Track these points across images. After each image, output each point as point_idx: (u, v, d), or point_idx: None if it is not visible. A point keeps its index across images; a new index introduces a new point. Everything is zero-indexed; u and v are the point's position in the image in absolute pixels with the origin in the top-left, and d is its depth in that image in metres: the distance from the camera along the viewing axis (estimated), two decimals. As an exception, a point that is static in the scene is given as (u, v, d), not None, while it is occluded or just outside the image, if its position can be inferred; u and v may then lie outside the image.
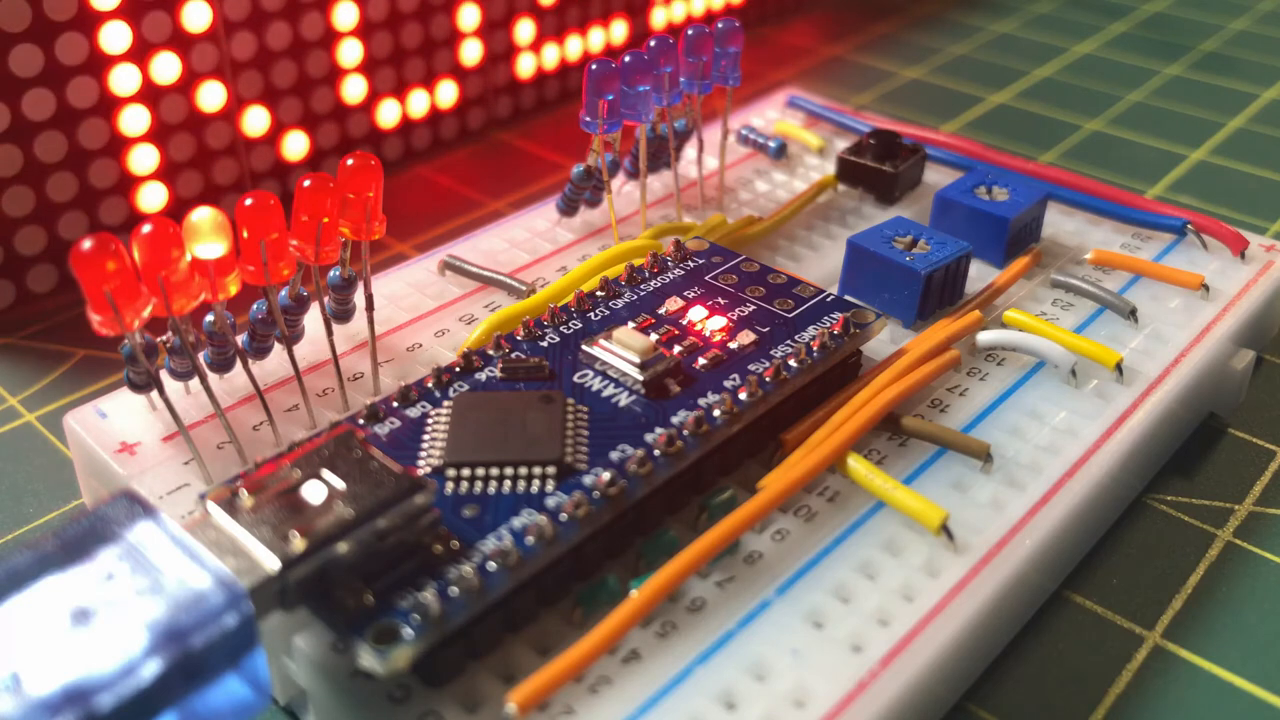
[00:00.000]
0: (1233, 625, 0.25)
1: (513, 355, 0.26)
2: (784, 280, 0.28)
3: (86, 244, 0.21)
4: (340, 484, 0.21)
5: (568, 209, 0.33)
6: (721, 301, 0.27)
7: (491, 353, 0.26)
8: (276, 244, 0.24)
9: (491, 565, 0.20)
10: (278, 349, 0.27)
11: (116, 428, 0.26)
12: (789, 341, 0.26)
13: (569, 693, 0.20)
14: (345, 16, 0.39)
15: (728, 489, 0.24)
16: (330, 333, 0.26)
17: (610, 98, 0.30)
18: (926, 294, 0.29)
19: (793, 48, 0.54)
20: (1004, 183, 0.32)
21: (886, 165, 0.34)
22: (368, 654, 0.19)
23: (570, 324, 0.27)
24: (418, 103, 0.43)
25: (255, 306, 0.26)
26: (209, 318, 0.25)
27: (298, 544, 0.19)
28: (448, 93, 0.44)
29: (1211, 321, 0.30)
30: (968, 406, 0.27)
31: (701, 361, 0.25)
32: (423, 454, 0.23)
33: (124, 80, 0.35)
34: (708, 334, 0.26)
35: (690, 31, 0.32)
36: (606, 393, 0.25)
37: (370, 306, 0.27)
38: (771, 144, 0.37)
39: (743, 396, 0.24)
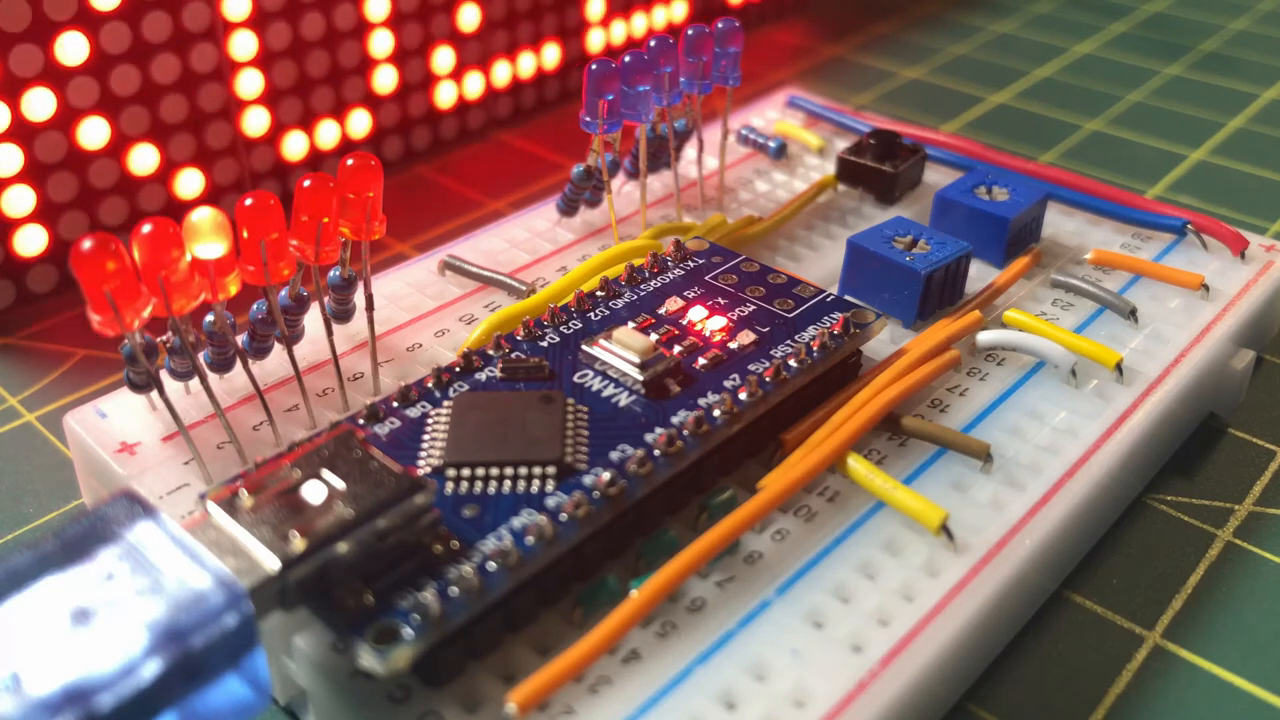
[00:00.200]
0: (1233, 625, 0.25)
1: (513, 355, 0.26)
2: (784, 280, 0.28)
3: (86, 244, 0.21)
4: (340, 484, 0.21)
5: (568, 209, 0.33)
6: (721, 301, 0.27)
7: (491, 353, 0.26)
8: (276, 244, 0.24)
9: (491, 565, 0.20)
10: (278, 349, 0.27)
11: (116, 428, 0.26)
12: (789, 341, 0.26)
13: (569, 693, 0.20)
14: (345, 16, 0.39)
15: (728, 489, 0.24)
16: (330, 333, 0.26)
17: (610, 98, 0.30)
18: (926, 294, 0.29)
19: (793, 48, 0.54)
20: (1004, 183, 0.32)
21: (886, 165, 0.34)
22: (368, 654, 0.19)
23: (570, 324, 0.27)
24: (418, 103, 0.43)
25: (255, 306, 0.26)
26: (209, 318, 0.25)
27: (298, 544, 0.19)
28: (448, 93, 0.44)
29: (1211, 321, 0.30)
30: (968, 406, 0.27)
31: (701, 361, 0.25)
32: (423, 454, 0.23)
33: (124, 80, 0.35)
34: (708, 334, 0.26)
35: (690, 31, 0.32)
36: (606, 393, 0.25)
37: (370, 306, 0.27)
38: (771, 144, 0.37)
39: (743, 396, 0.24)
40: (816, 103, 0.39)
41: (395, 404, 0.24)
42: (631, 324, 0.27)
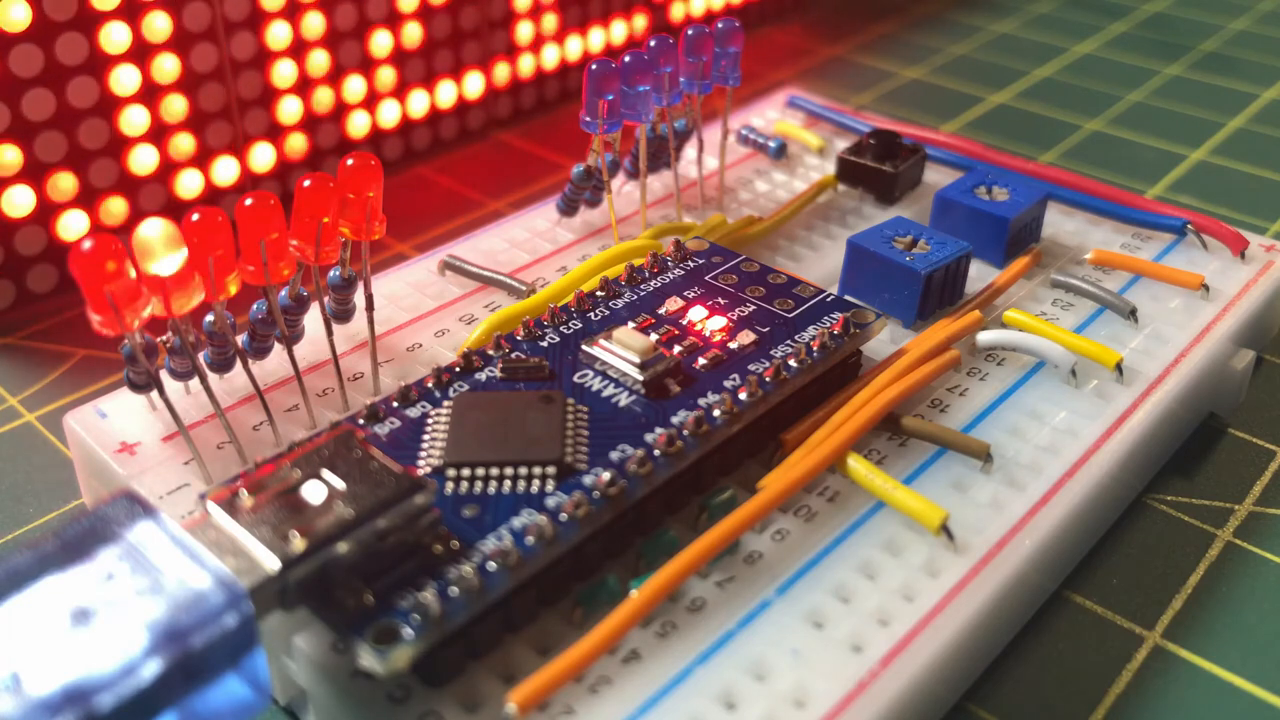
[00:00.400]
0: (1233, 625, 0.25)
1: (513, 355, 0.26)
2: (784, 280, 0.28)
3: (86, 244, 0.21)
4: (340, 484, 0.21)
5: (568, 209, 0.33)
6: (721, 301, 0.27)
7: (491, 353, 0.26)
8: (276, 244, 0.24)
9: (491, 565, 0.20)
10: (278, 349, 0.27)
11: (116, 428, 0.26)
12: (789, 341, 0.26)
13: (569, 693, 0.20)
14: (345, 16, 0.39)
15: (728, 489, 0.24)
16: (330, 333, 0.26)
17: (610, 98, 0.30)
18: (926, 294, 0.29)
19: (793, 48, 0.54)
20: (1004, 183, 0.32)
21: (886, 165, 0.34)
22: (368, 654, 0.19)
23: (570, 324, 0.27)
24: (418, 103, 0.43)
25: (255, 306, 0.26)
26: (209, 318, 0.25)
27: (298, 544, 0.19)
28: (448, 93, 0.44)
29: (1211, 321, 0.30)
30: (968, 406, 0.27)
31: (701, 361, 0.25)
32: (423, 454, 0.23)
33: (124, 80, 0.35)
34: (708, 334, 0.26)
35: (690, 31, 0.32)
36: (606, 393, 0.25)
37: (370, 306, 0.27)
38: (771, 144, 0.37)
39: (743, 396, 0.24)
40: (816, 103, 0.39)
41: (395, 404, 0.24)
42: (631, 324, 0.27)
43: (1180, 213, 0.33)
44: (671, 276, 0.28)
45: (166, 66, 0.35)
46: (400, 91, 0.42)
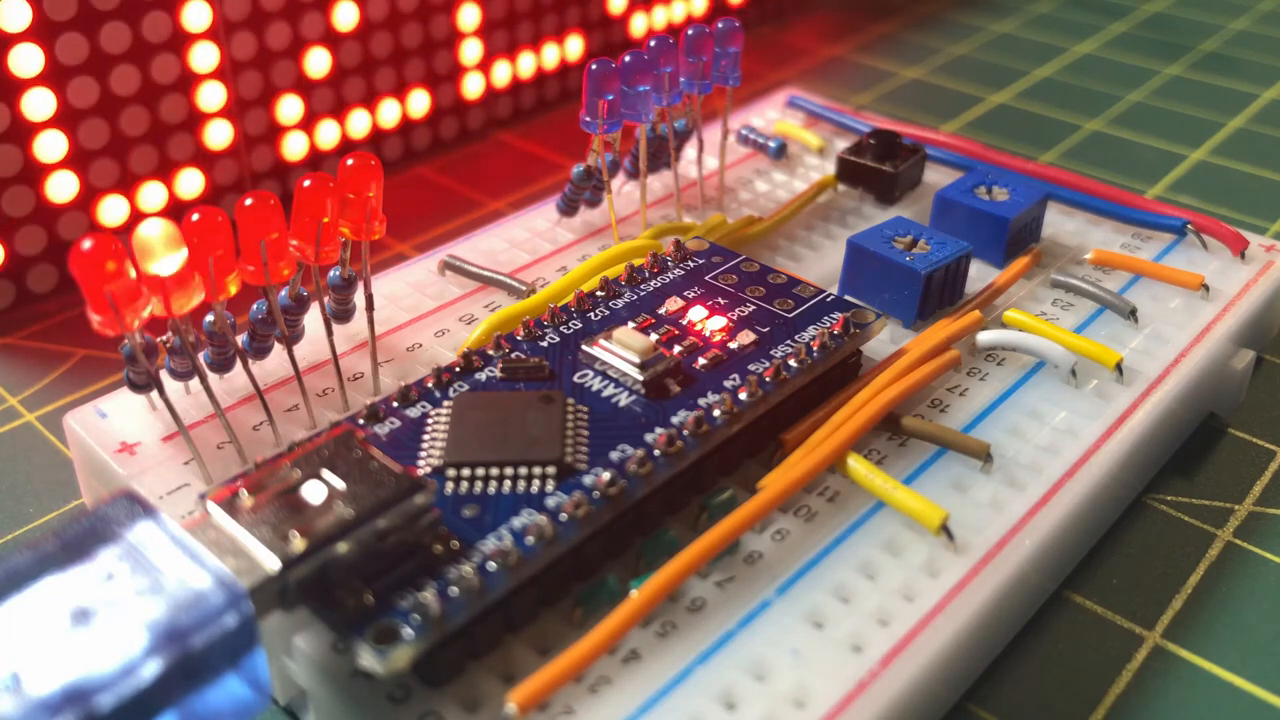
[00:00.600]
0: (1233, 625, 0.25)
1: (513, 355, 0.26)
2: (784, 280, 0.28)
3: (86, 244, 0.21)
4: (340, 484, 0.21)
5: (568, 209, 0.33)
6: (721, 301, 0.27)
7: (491, 353, 0.26)
8: (276, 244, 0.24)
9: (491, 565, 0.20)
10: (278, 349, 0.27)
11: (116, 428, 0.26)
12: (789, 341, 0.26)
13: (569, 693, 0.20)
14: (345, 17, 0.39)
15: (728, 489, 0.24)
16: (330, 333, 0.26)
17: (610, 98, 0.30)
18: (926, 294, 0.29)
19: (793, 48, 0.54)
20: (1004, 183, 0.32)
21: (886, 165, 0.34)
22: (368, 654, 0.19)
23: (570, 324, 0.27)
24: (418, 103, 0.43)
25: (255, 306, 0.26)
26: (209, 318, 0.25)
27: (298, 544, 0.19)
28: (447, 93, 0.44)
29: (1211, 321, 0.30)
30: (968, 406, 0.27)
31: (701, 361, 0.25)
32: (423, 454, 0.23)
33: (124, 80, 0.35)
34: (708, 334, 0.26)
35: (690, 31, 0.32)
36: (606, 393, 0.25)
37: (370, 306, 0.27)
38: (771, 144, 0.37)
39: (743, 396, 0.24)
40: (816, 103, 0.39)
41: (395, 404, 0.24)
42: (631, 324, 0.27)
43: (1180, 213, 0.33)
44: (671, 276, 0.28)
45: (166, 66, 0.35)
46: (400, 92, 0.42)
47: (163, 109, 0.36)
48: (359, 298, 0.27)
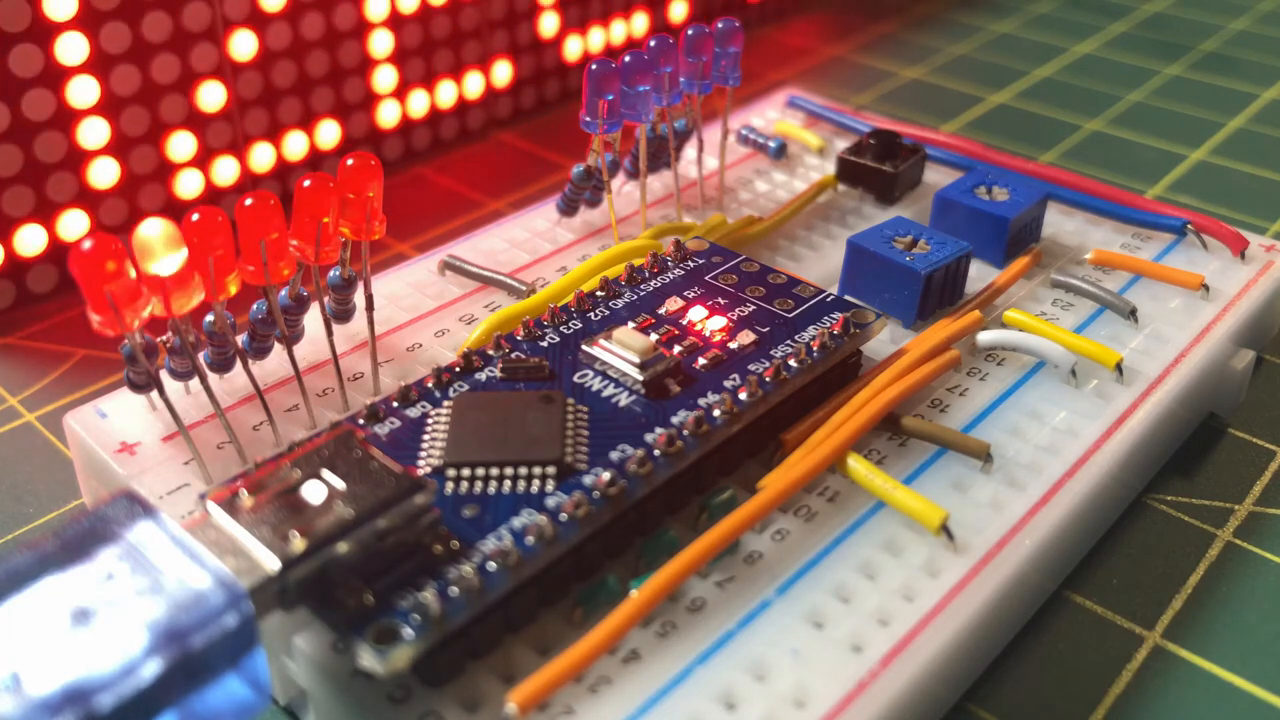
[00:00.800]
0: (1233, 625, 0.25)
1: (513, 355, 0.26)
2: (784, 280, 0.28)
3: (86, 244, 0.21)
4: (340, 484, 0.21)
5: (568, 209, 0.33)
6: (721, 301, 0.27)
7: (491, 353, 0.26)
8: (276, 244, 0.24)
9: (491, 565, 0.20)
10: (278, 349, 0.27)
11: (116, 428, 0.26)
12: (789, 341, 0.26)
13: (569, 693, 0.20)
14: (345, 17, 0.39)
15: (728, 489, 0.24)
16: (330, 333, 0.26)
17: (610, 98, 0.30)
18: (926, 294, 0.29)
19: (793, 48, 0.54)
20: (1004, 183, 0.32)
21: (886, 165, 0.34)
22: (368, 654, 0.19)
23: (570, 324, 0.27)
24: (418, 103, 0.43)
25: (255, 306, 0.26)
26: (209, 318, 0.25)
27: (298, 544, 0.19)
28: (448, 93, 0.44)
29: (1211, 321, 0.30)
30: (968, 406, 0.27)
31: (701, 361, 0.25)
32: (423, 454, 0.23)
33: (124, 80, 0.35)
34: (708, 334, 0.26)
35: (690, 31, 0.32)
36: (606, 393, 0.25)
37: (370, 306, 0.27)
38: (771, 144, 0.37)
39: (743, 396, 0.24)
40: (816, 103, 0.39)
41: (395, 404, 0.24)
42: (631, 324, 0.27)
43: (1180, 213, 0.33)
44: (671, 276, 0.28)
45: (166, 66, 0.35)
46: (400, 91, 0.42)
47: (163, 109, 0.36)
48: (359, 298, 0.27)
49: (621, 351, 0.25)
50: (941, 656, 0.21)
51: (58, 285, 0.35)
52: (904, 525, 0.24)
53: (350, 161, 0.25)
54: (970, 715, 0.23)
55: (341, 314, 0.27)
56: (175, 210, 0.37)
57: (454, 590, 0.20)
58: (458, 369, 0.25)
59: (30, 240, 0.34)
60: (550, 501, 0.22)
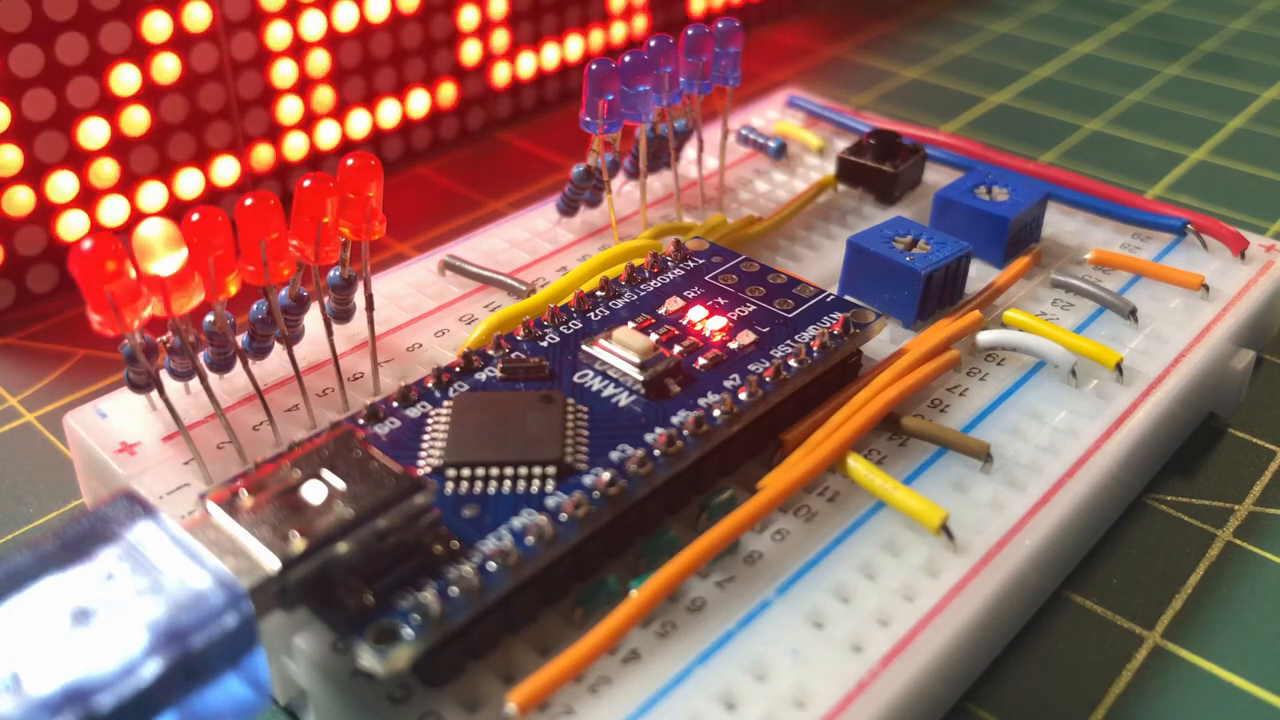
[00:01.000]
0: (1233, 625, 0.25)
1: (513, 355, 0.26)
2: (784, 280, 0.28)
3: (86, 244, 0.21)
4: (340, 484, 0.21)
5: (568, 209, 0.33)
6: (721, 301, 0.27)
7: (491, 353, 0.26)
8: (276, 244, 0.24)
9: (491, 565, 0.20)
10: (278, 349, 0.27)
11: (116, 428, 0.26)
12: (789, 341, 0.26)
13: (569, 693, 0.20)
14: (346, 17, 0.39)
15: (728, 489, 0.24)
16: (330, 333, 0.26)
17: (610, 98, 0.30)
18: (926, 294, 0.29)
19: (793, 48, 0.54)
20: (1004, 183, 0.32)
21: (886, 165, 0.34)
22: (368, 654, 0.19)
23: (570, 324, 0.27)
24: (418, 103, 0.43)
25: (255, 306, 0.26)
26: (209, 318, 0.25)
27: (298, 544, 0.19)
28: (448, 93, 0.44)
29: (1211, 321, 0.30)
30: (968, 406, 0.27)
31: (701, 361, 0.25)
32: (423, 454, 0.23)
33: (124, 80, 0.35)
34: (708, 334, 0.26)
35: (690, 31, 0.32)
36: (606, 393, 0.25)
37: (370, 306, 0.27)
38: (771, 144, 0.37)
39: (743, 396, 0.24)
40: (816, 103, 0.39)
41: (395, 404, 0.24)
42: (631, 324, 0.27)
43: (1180, 213, 0.33)
44: (671, 276, 0.28)
45: (166, 66, 0.35)
46: (400, 92, 0.42)
47: (162, 109, 0.36)
48: (359, 298, 0.27)
49: (621, 351, 0.25)
50: (941, 656, 0.21)
51: (58, 285, 0.35)
52: (904, 525, 0.24)
53: (350, 161, 0.25)
54: (970, 715, 0.23)
55: (341, 314, 0.27)
56: (175, 210, 0.37)
57: (454, 590, 0.20)
58: (458, 369, 0.25)
59: (30, 240, 0.34)
60: (550, 501, 0.22)
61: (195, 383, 0.26)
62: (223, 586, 0.18)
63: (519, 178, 0.43)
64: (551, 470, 0.22)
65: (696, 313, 0.27)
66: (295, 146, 0.40)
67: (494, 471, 0.22)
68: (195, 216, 0.23)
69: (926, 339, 0.28)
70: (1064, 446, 0.26)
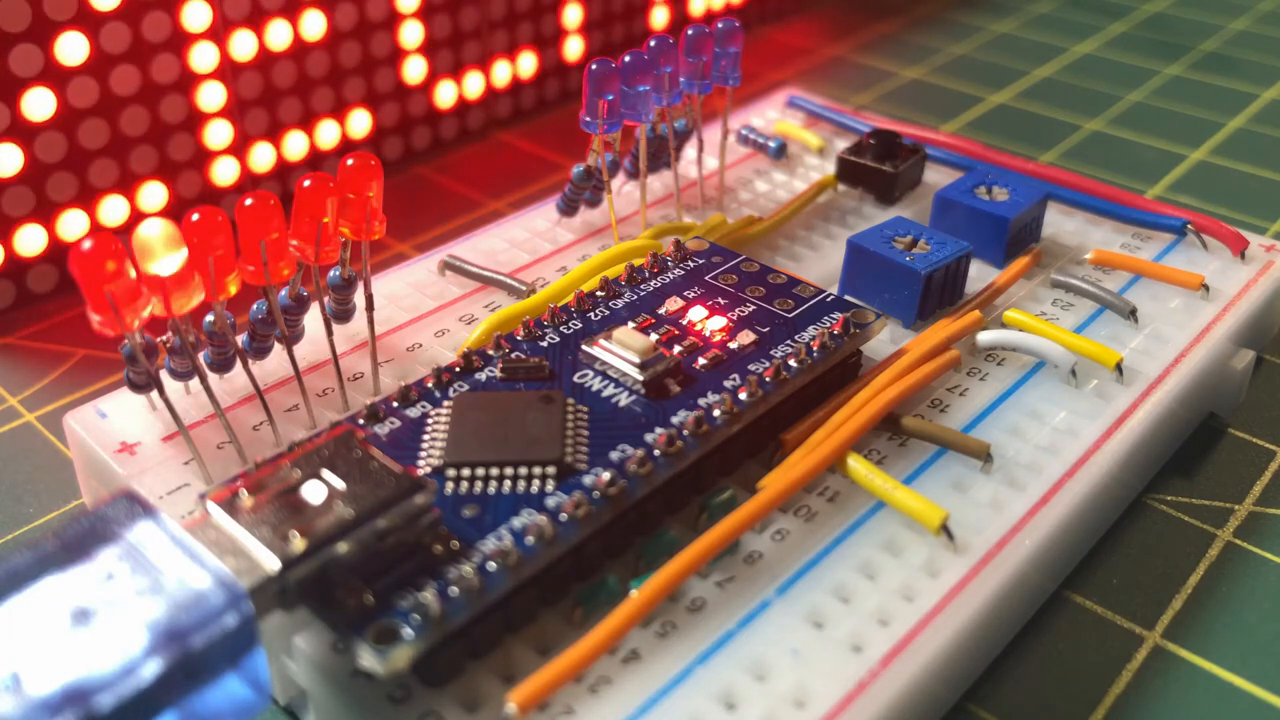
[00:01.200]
0: (1233, 625, 0.25)
1: (513, 355, 0.26)
2: (784, 280, 0.28)
3: (86, 244, 0.21)
4: (340, 484, 0.21)
5: (568, 209, 0.33)
6: (721, 301, 0.27)
7: (491, 353, 0.26)
8: (276, 244, 0.24)
9: (491, 565, 0.20)
10: (278, 349, 0.27)
11: (116, 428, 0.26)
12: (789, 341, 0.26)
13: (569, 693, 0.20)
14: (346, 17, 0.39)
15: (728, 489, 0.24)
16: (330, 333, 0.26)
17: (610, 98, 0.30)
18: (926, 294, 0.29)
19: (793, 48, 0.54)
20: (1004, 183, 0.32)
21: (886, 165, 0.34)
22: (368, 654, 0.19)
23: (570, 324, 0.27)
24: (418, 103, 0.43)
25: (255, 306, 0.26)
26: (209, 318, 0.25)
27: (298, 544, 0.19)
28: (448, 93, 0.44)
29: (1211, 321, 0.30)
30: (968, 406, 0.27)
31: (701, 361, 0.25)
32: (423, 454, 0.23)
33: (124, 80, 0.35)
34: (708, 334, 0.26)
35: (690, 31, 0.32)
36: (606, 393, 0.25)
37: (370, 306, 0.27)
38: (771, 144, 0.37)
39: (743, 396, 0.24)
40: (816, 103, 0.39)
41: (395, 404, 0.24)
42: (631, 324, 0.27)
43: (1180, 213, 0.33)
44: (671, 276, 0.28)
45: (166, 67, 0.35)
46: (400, 91, 0.42)
47: (163, 109, 0.36)
48: (359, 298, 0.27)
49: (621, 351, 0.25)
50: (941, 656, 0.21)
51: (58, 285, 0.35)
52: (904, 525, 0.24)
53: (350, 161, 0.25)
54: (970, 715, 0.23)
55: (341, 314, 0.27)
56: (175, 210, 0.37)
57: (454, 590, 0.20)
58: (458, 369, 0.25)
59: (30, 240, 0.34)
60: (550, 501, 0.22)
61: (195, 383, 0.26)
62: (223, 586, 0.18)
63: (519, 178, 0.43)
64: (551, 470, 0.22)
65: (696, 313, 0.27)
66: (295, 146, 0.40)
67: (494, 471, 0.22)
68: (195, 216, 0.23)
69: (926, 339, 0.28)
70: (1064, 446, 0.26)
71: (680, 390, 0.25)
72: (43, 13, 0.32)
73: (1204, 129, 0.46)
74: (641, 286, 0.28)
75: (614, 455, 0.23)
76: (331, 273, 0.27)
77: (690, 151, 0.36)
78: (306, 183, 0.24)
